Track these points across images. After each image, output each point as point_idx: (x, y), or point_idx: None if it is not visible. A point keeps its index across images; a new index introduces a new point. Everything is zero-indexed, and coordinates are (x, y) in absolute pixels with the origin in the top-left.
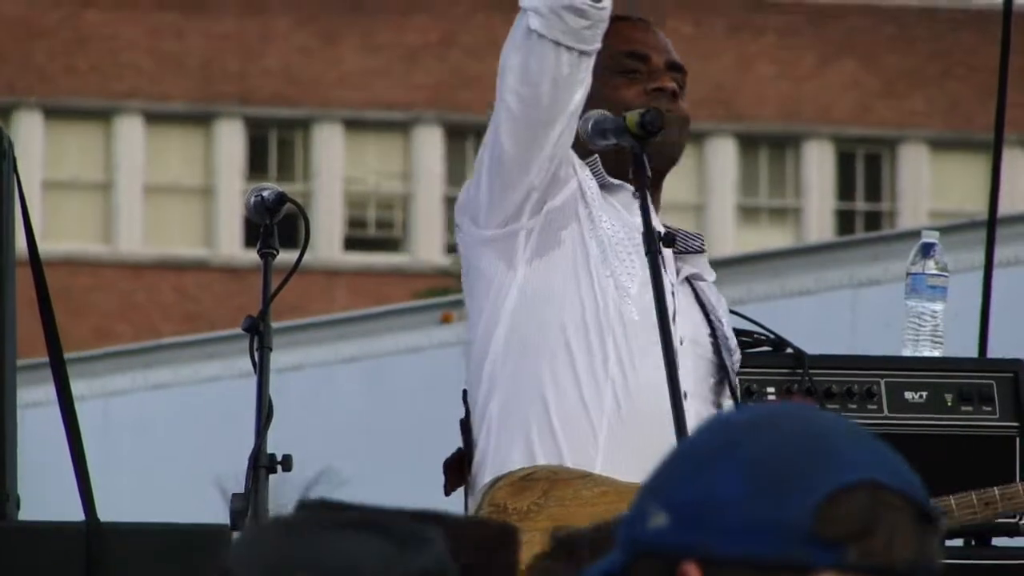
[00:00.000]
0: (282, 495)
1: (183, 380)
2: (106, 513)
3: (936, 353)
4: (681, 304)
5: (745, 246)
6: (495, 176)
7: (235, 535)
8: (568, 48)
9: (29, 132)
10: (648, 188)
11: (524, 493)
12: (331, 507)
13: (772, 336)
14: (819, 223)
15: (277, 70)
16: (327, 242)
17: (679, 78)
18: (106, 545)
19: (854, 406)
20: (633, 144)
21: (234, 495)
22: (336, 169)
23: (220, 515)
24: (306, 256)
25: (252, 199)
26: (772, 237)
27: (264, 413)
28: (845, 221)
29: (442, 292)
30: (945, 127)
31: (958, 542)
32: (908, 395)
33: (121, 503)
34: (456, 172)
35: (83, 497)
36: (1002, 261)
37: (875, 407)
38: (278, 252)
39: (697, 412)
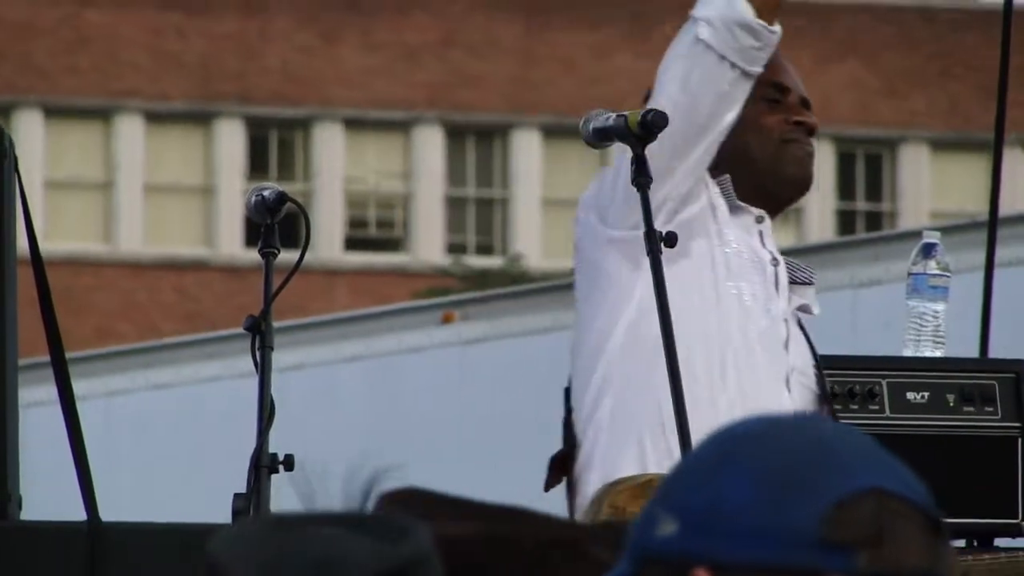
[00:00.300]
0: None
1: (184, 380)
2: (107, 513)
3: (938, 353)
4: (792, 333)
5: None
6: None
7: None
8: (733, 65)
9: (30, 131)
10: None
11: (645, 499)
12: (420, 495)
13: None
14: (820, 223)
15: (277, 69)
16: (327, 242)
17: (811, 115)
18: (108, 545)
19: (855, 407)
20: (634, 145)
21: (236, 495)
22: (336, 168)
23: (221, 515)
24: (306, 256)
25: (253, 199)
26: (773, 237)
27: (266, 413)
28: (846, 221)
29: (443, 292)
30: (946, 127)
31: (960, 542)
32: (910, 395)
33: (122, 503)
34: (456, 171)
35: (84, 497)
36: (1003, 261)
37: (877, 408)
38: (279, 252)
39: None
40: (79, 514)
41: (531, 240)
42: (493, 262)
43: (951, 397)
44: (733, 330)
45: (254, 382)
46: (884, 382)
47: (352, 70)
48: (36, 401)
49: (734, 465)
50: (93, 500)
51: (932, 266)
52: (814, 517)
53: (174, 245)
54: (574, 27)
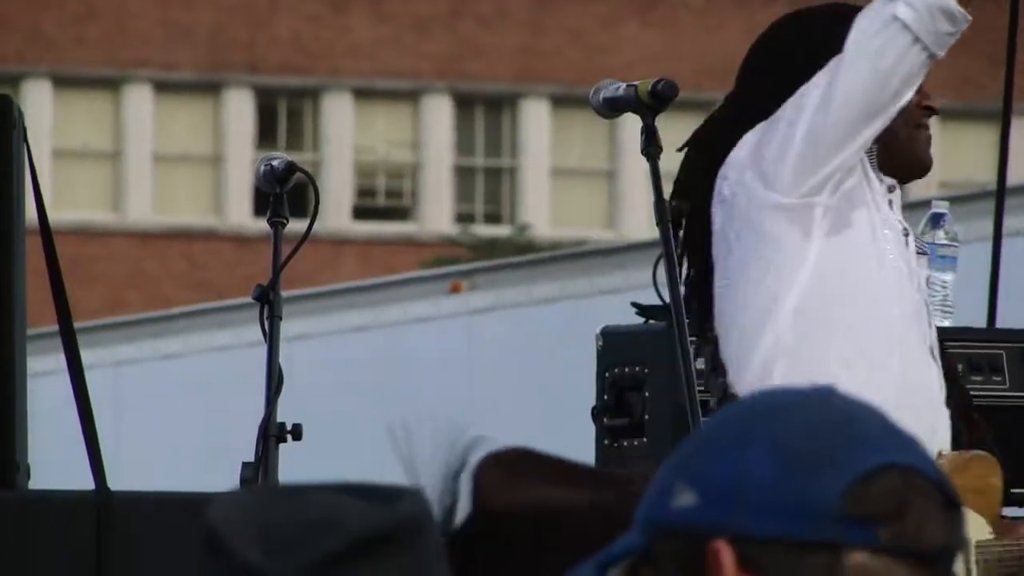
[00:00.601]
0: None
1: (193, 349)
2: (116, 482)
3: (946, 323)
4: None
5: None
6: (808, 147)
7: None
8: (923, 48)
9: (38, 101)
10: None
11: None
12: (525, 456)
13: None
14: None
15: (286, 39)
16: (336, 211)
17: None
18: (116, 514)
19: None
20: (645, 115)
21: (244, 464)
22: (345, 138)
23: (229, 484)
24: (315, 225)
25: (262, 168)
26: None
27: (274, 382)
28: None
29: (451, 261)
30: (954, 97)
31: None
32: None
33: (131, 472)
34: (465, 141)
35: (93, 466)
36: (1011, 231)
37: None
38: (288, 221)
39: (945, 416)
40: (87, 483)
41: (539, 210)
42: (501, 232)
43: (960, 367)
44: (894, 301)
45: (262, 351)
46: None
47: (361, 40)
48: (44, 370)
49: (757, 438)
50: (101, 469)
51: (940, 236)
52: (837, 491)
53: (183, 215)
54: None
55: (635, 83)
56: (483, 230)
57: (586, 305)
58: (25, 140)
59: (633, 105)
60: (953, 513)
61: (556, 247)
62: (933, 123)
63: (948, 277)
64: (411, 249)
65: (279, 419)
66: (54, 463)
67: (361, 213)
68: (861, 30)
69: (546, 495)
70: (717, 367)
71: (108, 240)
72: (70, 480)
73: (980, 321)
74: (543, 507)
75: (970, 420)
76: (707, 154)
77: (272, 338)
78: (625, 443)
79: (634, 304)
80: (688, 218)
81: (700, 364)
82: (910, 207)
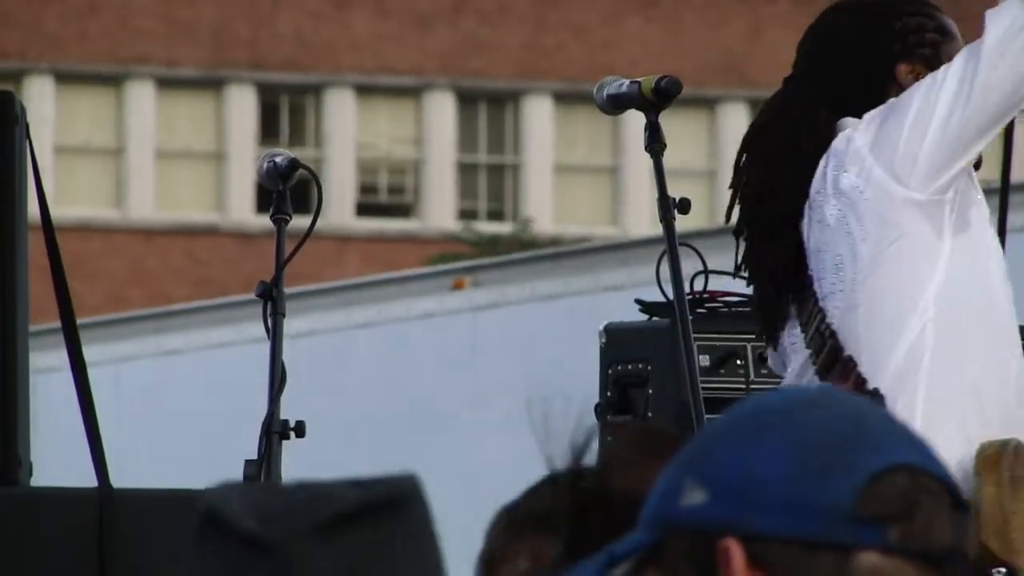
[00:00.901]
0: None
1: (195, 346)
2: (118, 479)
3: None
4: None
5: None
6: (944, 144)
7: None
8: None
9: (41, 97)
10: (660, 155)
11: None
12: (646, 431)
13: None
14: None
15: (289, 35)
16: (339, 208)
17: None
18: (118, 511)
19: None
20: (648, 111)
21: (247, 461)
22: (348, 135)
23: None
24: (318, 222)
25: (264, 165)
26: None
27: (277, 379)
28: None
29: (454, 258)
30: None
31: None
32: None
33: (133, 469)
34: (468, 137)
35: (95, 463)
36: (1015, 227)
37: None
38: (290, 218)
39: None
40: (89, 480)
41: (542, 206)
42: (504, 228)
43: None
44: (1004, 297)
45: (265, 348)
46: None
47: (364, 36)
48: (47, 367)
49: (768, 437)
50: (103, 466)
51: None
52: (849, 491)
53: (185, 211)
54: None
55: (638, 80)
56: (486, 227)
57: (589, 302)
58: (27, 136)
59: (636, 102)
60: (962, 513)
61: (559, 243)
62: None
63: None
64: (414, 246)
65: (282, 416)
66: (56, 460)
67: (364, 210)
68: (1002, 30)
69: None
70: (837, 360)
71: (110, 236)
72: (72, 477)
73: None
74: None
75: None
76: (779, 144)
77: (275, 335)
78: None
79: (637, 301)
80: (761, 211)
81: (704, 361)
82: None
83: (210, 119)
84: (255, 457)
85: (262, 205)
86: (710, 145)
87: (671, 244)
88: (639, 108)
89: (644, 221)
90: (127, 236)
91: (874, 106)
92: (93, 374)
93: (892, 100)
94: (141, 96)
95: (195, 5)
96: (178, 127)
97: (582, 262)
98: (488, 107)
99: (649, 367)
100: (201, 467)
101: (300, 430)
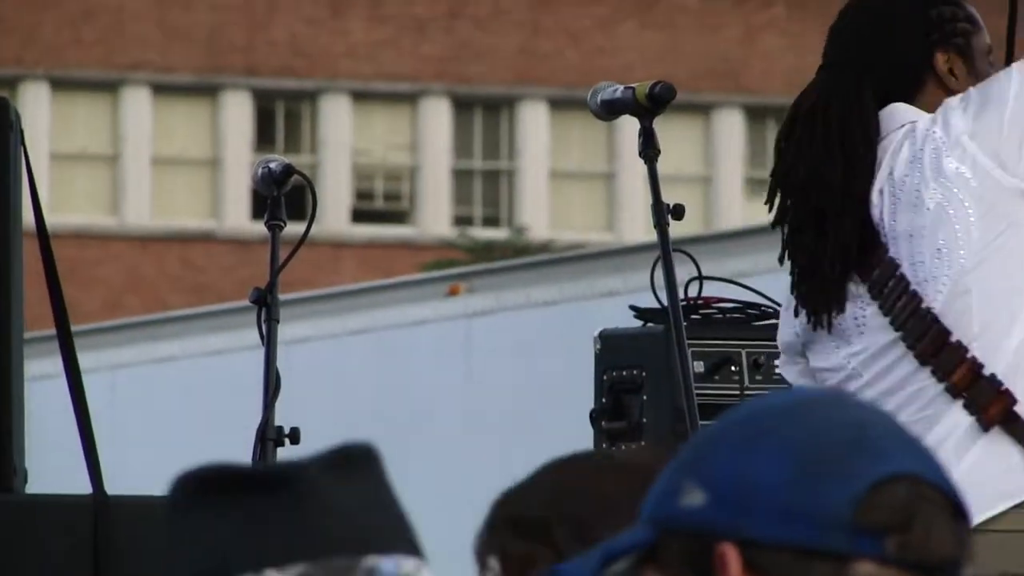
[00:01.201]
0: None
1: (190, 353)
2: (113, 486)
3: None
4: None
5: (752, 218)
6: None
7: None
8: None
9: (36, 104)
10: (654, 161)
11: None
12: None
13: (779, 308)
14: None
15: (284, 41)
16: (334, 214)
17: None
18: (113, 518)
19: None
20: (642, 117)
21: None
22: (343, 141)
23: None
24: (313, 228)
25: (260, 171)
26: None
27: (271, 386)
28: None
29: (449, 264)
30: None
31: None
32: None
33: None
34: (463, 144)
35: (90, 470)
36: None
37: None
38: (285, 224)
39: None
40: (84, 487)
41: (538, 212)
42: (499, 234)
43: None
44: None
45: (261, 355)
46: None
47: (359, 42)
48: (42, 374)
49: (769, 441)
50: (99, 473)
51: None
52: (848, 500)
53: (181, 218)
54: (580, 0)
55: (632, 85)
56: (481, 233)
57: (584, 308)
58: (22, 143)
59: (631, 107)
60: (961, 523)
61: (554, 249)
62: None
63: None
64: (409, 252)
65: (277, 423)
66: (51, 467)
67: (359, 216)
68: None
69: None
70: (945, 344)
71: (106, 243)
72: (67, 484)
73: None
74: None
75: None
76: (825, 130)
77: (269, 341)
78: (623, 446)
79: (632, 307)
80: (809, 197)
81: (698, 367)
82: None
83: (206, 125)
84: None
85: (258, 212)
86: (705, 151)
87: (665, 250)
88: (633, 114)
89: (639, 227)
90: (123, 243)
91: (912, 95)
92: (89, 381)
93: (975, 87)
94: (137, 102)
95: (190, 11)
96: (174, 133)
97: (577, 268)
98: (483, 113)
99: (644, 373)
100: None
101: (295, 437)
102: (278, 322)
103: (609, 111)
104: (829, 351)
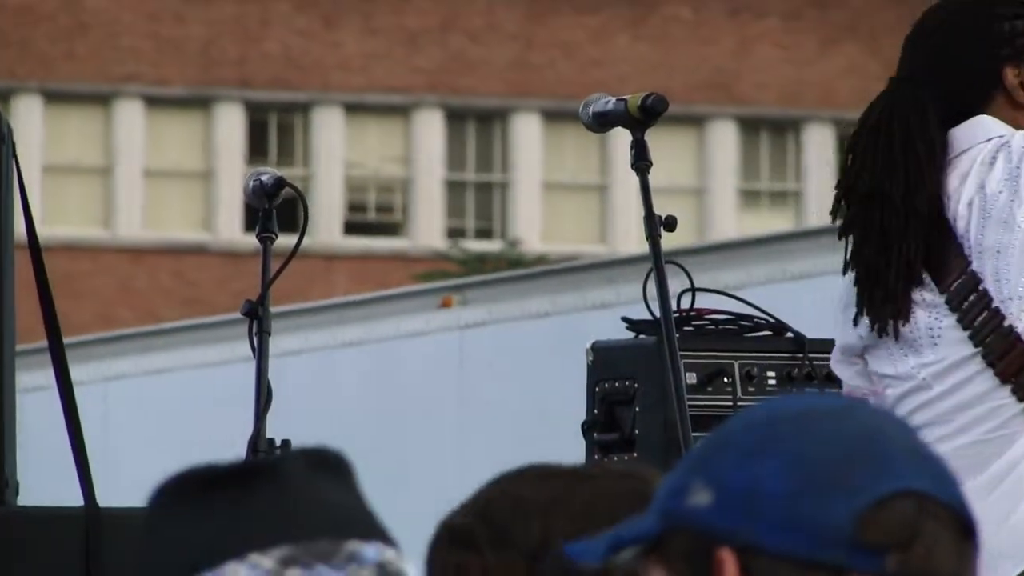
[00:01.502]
0: None
1: (182, 365)
2: (105, 498)
3: None
4: None
5: (746, 230)
6: None
7: None
8: None
9: (29, 116)
10: (646, 173)
11: None
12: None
13: (772, 320)
14: (820, 207)
15: (277, 54)
16: (327, 226)
17: None
18: (105, 530)
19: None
20: (634, 129)
21: None
22: (336, 153)
23: None
24: (306, 240)
25: (251, 183)
26: (773, 221)
27: (263, 398)
28: None
29: (442, 276)
30: None
31: None
32: None
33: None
34: (456, 156)
35: (82, 482)
36: None
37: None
38: (277, 236)
39: None
40: (76, 500)
41: (531, 224)
42: (492, 246)
43: None
44: None
45: (252, 367)
46: None
47: (352, 54)
48: (34, 386)
49: (778, 449)
50: (90, 486)
51: None
52: (850, 515)
53: (173, 230)
54: (574, 11)
55: (625, 97)
56: (474, 245)
57: (577, 320)
58: (14, 155)
59: (623, 119)
60: (968, 541)
61: (547, 261)
62: None
63: None
64: (402, 264)
65: (268, 435)
66: (43, 479)
67: (352, 228)
68: None
69: None
70: (1021, 369)
71: (98, 256)
72: (59, 496)
73: None
74: None
75: None
76: (889, 144)
77: (261, 354)
78: (615, 458)
79: (624, 319)
80: (873, 209)
81: (691, 379)
82: None
83: (198, 138)
84: None
85: (250, 224)
86: (698, 163)
87: (658, 262)
88: (625, 126)
89: (632, 239)
90: (115, 255)
91: (980, 109)
92: (81, 393)
93: None
94: (129, 115)
95: (183, 24)
96: (166, 146)
97: (570, 280)
98: (476, 125)
99: (636, 385)
100: None
101: (286, 449)
102: (270, 334)
103: (601, 123)
104: (896, 359)
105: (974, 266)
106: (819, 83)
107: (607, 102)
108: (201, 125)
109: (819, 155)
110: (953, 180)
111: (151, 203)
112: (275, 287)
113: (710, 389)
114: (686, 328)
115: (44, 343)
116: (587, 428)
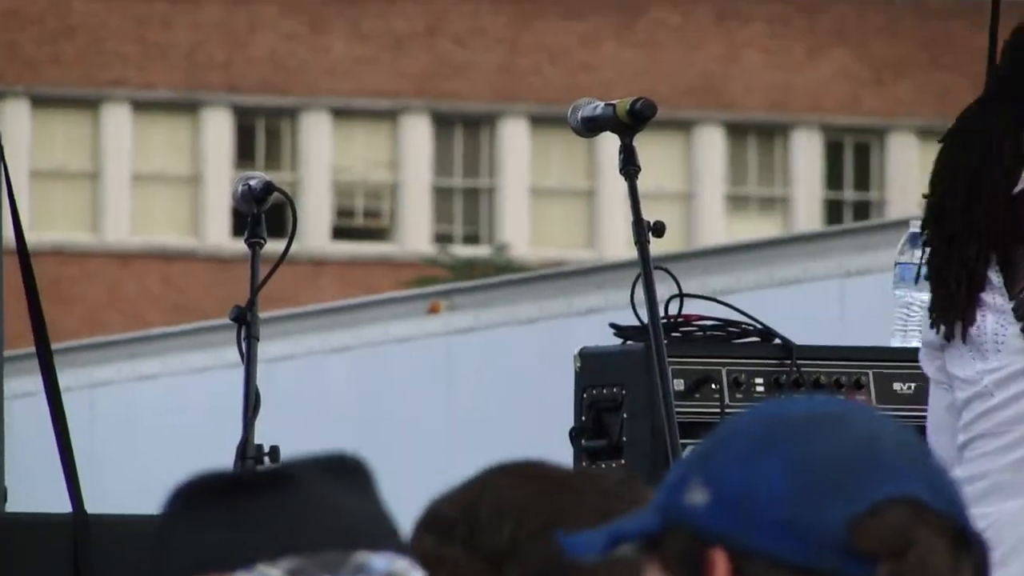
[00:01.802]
0: None
1: (170, 370)
2: (93, 505)
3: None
4: None
5: (734, 235)
6: None
7: None
8: None
9: (16, 121)
10: (635, 178)
11: None
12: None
13: (760, 326)
14: (807, 212)
15: (264, 59)
16: (315, 231)
17: None
18: (93, 537)
19: (842, 397)
20: (623, 133)
21: None
22: (324, 158)
23: None
24: (293, 246)
25: (239, 188)
26: (760, 226)
27: (251, 404)
28: (833, 210)
29: (430, 282)
30: (934, 116)
31: None
32: (896, 386)
33: (108, 495)
34: (443, 161)
35: (70, 489)
36: None
37: (863, 398)
38: (265, 241)
39: None
40: (64, 506)
41: (518, 230)
42: (480, 252)
43: None
44: None
45: (241, 373)
46: (871, 372)
47: (339, 59)
48: (22, 392)
49: (777, 452)
50: (78, 492)
51: (919, 255)
52: (844, 522)
53: (161, 235)
54: (561, 16)
55: (613, 102)
56: (462, 250)
57: (565, 325)
58: (2, 159)
59: (611, 124)
60: (964, 551)
61: (535, 267)
62: (912, 141)
63: (927, 297)
64: (390, 269)
65: (257, 441)
66: (31, 486)
67: (340, 233)
68: None
69: None
70: None
71: (86, 261)
72: (47, 502)
73: None
74: None
75: None
76: (967, 159)
77: (249, 359)
78: (603, 464)
79: (612, 325)
80: (948, 221)
81: (678, 385)
82: (888, 227)
83: (186, 142)
84: None
85: (238, 229)
86: (686, 168)
87: (646, 267)
88: (613, 130)
89: (620, 244)
90: (103, 260)
91: None
92: (68, 399)
93: None
94: (117, 119)
95: (170, 28)
96: (154, 150)
97: (557, 286)
98: (464, 130)
99: (624, 391)
100: None
101: (275, 455)
102: (258, 340)
103: (589, 128)
104: (965, 361)
105: None
106: (807, 88)
107: (595, 107)
108: (189, 130)
109: (807, 160)
110: None
111: (139, 208)
112: (263, 292)
113: (698, 396)
114: (674, 334)
115: (32, 349)
116: (575, 434)
